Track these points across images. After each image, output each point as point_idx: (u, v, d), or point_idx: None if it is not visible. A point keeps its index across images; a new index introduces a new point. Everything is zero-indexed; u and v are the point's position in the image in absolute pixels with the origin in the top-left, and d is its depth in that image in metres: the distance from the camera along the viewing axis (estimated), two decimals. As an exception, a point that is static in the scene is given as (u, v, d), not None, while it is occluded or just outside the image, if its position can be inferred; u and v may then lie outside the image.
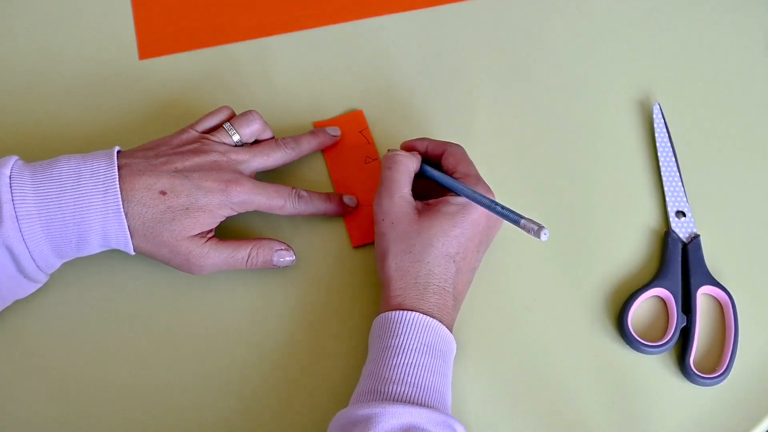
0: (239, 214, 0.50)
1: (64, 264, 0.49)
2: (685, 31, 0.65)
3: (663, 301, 0.53)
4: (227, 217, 0.50)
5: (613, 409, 0.49)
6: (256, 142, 0.54)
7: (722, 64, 0.64)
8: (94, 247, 0.47)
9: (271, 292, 0.52)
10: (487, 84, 0.62)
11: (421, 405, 0.42)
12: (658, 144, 0.58)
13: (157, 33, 0.63)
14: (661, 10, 0.66)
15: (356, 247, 0.54)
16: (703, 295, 0.53)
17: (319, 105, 0.60)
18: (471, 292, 0.51)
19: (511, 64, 0.63)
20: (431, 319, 0.45)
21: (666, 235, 0.55)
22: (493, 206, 0.46)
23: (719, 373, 0.49)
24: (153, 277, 0.52)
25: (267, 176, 0.55)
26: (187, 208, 0.47)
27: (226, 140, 0.52)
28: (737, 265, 0.54)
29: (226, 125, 0.52)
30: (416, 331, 0.45)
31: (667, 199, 0.56)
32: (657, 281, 0.52)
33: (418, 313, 0.45)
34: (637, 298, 0.52)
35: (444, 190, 0.51)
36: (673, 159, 0.58)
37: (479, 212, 0.48)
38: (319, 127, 0.58)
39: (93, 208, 0.45)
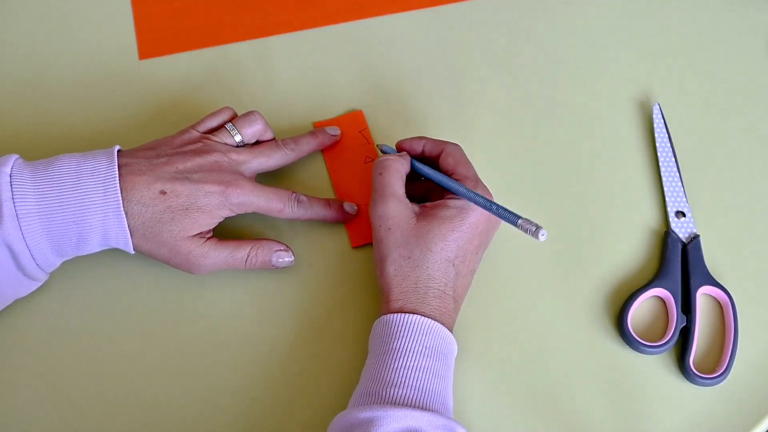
0: (239, 215, 0.50)
1: (64, 263, 0.49)
2: (685, 31, 0.65)
3: (663, 301, 0.53)
4: (226, 218, 0.50)
5: (613, 409, 0.49)
6: (257, 142, 0.54)
7: (722, 64, 0.64)
8: (94, 246, 0.47)
9: (269, 293, 0.52)
10: (486, 84, 0.62)
11: (422, 408, 0.42)
12: (658, 144, 0.58)
13: (157, 33, 0.63)
14: (661, 10, 0.66)
15: (355, 247, 0.54)
16: (702, 295, 0.53)
17: (319, 105, 0.60)
18: (471, 292, 0.51)
19: (511, 64, 0.63)
20: (433, 321, 0.45)
21: (666, 235, 0.55)
22: (491, 207, 0.46)
23: (719, 373, 0.49)
24: (152, 277, 0.52)
25: (267, 177, 0.55)
26: (186, 209, 0.47)
27: (228, 141, 0.52)
28: (737, 265, 0.54)
29: (228, 126, 0.52)
30: (417, 334, 0.45)
31: (666, 199, 0.56)
32: (657, 281, 0.52)
33: (419, 316, 0.45)
34: (636, 298, 0.52)
35: (442, 191, 0.51)
36: (673, 159, 0.58)
37: (478, 215, 0.48)
38: (319, 128, 0.58)
39: (93, 206, 0.45)
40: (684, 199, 0.56)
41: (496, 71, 0.62)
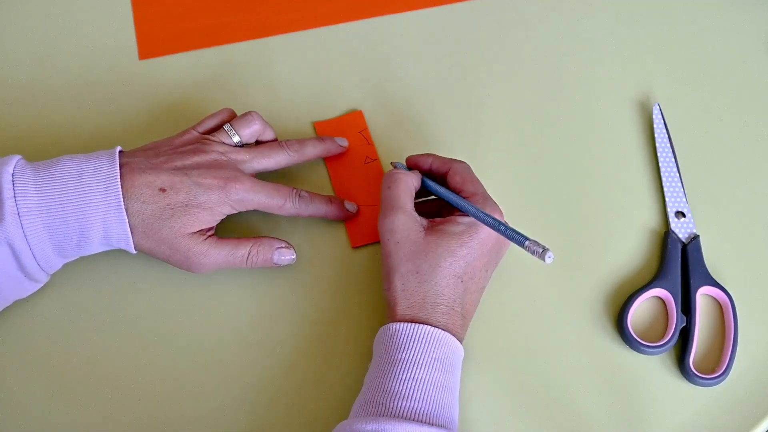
0: (239, 213, 0.50)
1: (65, 264, 0.49)
2: (685, 31, 0.65)
3: (663, 302, 0.53)
4: (227, 215, 0.50)
5: (613, 409, 0.49)
6: (258, 143, 0.54)
7: (722, 63, 0.64)
8: (96, 246, 0.47)
9: (269, 293, 0.52)
10: (486, 84, 0.62)
11: (429, 424, 0.42)
12: (657, 144, 0.58)
13: (157, 33, 0.63)
14: (661, 10, 0.66)
15: (355, 247, 0.54)
16: (702, 295, 0.53)
17: (319, 105, 0.60)
18: (471, 292, 0.51)
19: (511, 64, 0.63)
20: (441, 331, 0.45)
21: (666, 236, 0.55)
22: (497, 226, 0.45)
23: (719, 374, 0.49)
24: (153, 278, 0.52)
25: (267, 176, 0.55)
26: (186, 205, 0.47)
27: (227, 141, 0.52)
28: (737, 266, 0.54)
29: (226, 126, 0.52)
30: (426, 345, 0.44)
31: (666, 199, 0.56)
32: (657, 281, 0.52)
33: (428, 326, 0.45)
34: (636, 298, 0.52)
35: (453, 209, 0.50)
36: (673, 159, 0.58)
37: (487, 232, 0.48)
38: (322, 132, 0.58)
39: (94, 205, 0.46)
40: (684, 199, 0.56)
41: (496, 71, 0.62)
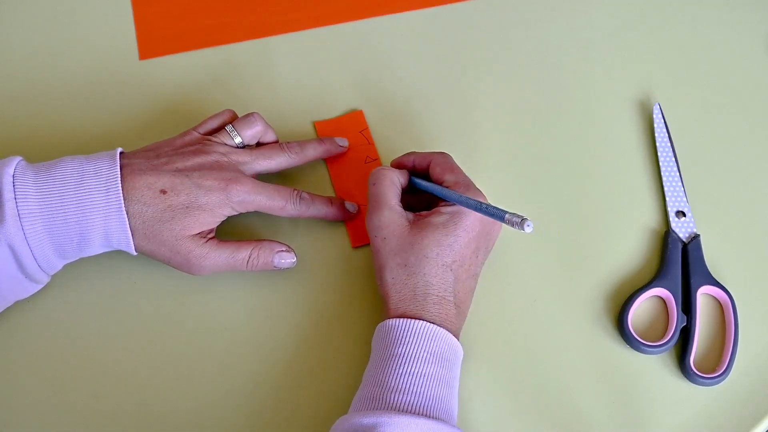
0: (240, 215, 0.50)
1: (65, 265, 0.49)
2: (685, 31, 0.65)
3: (663, 301, 0.53)
4: (228, 217, 0.50)
5: (613, 409, 0.49)
6: (260, 144, 0.54)
7: (722, 63, 0.64)
8: (96, 247, 0.47)
9: (271, 294, 0.52)
10: (486, 84, 0.62)
11: (426, 416, 0.42)
12: (658, 144, 0.58)
13: (157, 33, 0.63)
14: (660, 10, 0.66)
15: (356, 247, 0.54)
16: (703, 295, 0.53)
17: (319, 105, 0.60)
18: (471, 292, 0.51)
19: (511, 64, 0.63)
20: (437, 327, 0.45)
21: (666, 235, 0.55)
22: (480, 207, 0.46)
23: (719, 373, 0.49)
24: (153, 279, 0.52)
25: (268, 178, 0.55)
26: (187, 207, 0.47)
27: (228, 142, 0.52)
28: (737, 265, 0.54)
29: (228, 127, 0.52)
30: (421, 340, 0.45)
31: (667, 199, 0.56)
32: (657, 281, 0.52)
33: (423, 322, 0.45)
34: (637, 298, 0.52)
35: (441, 202, 0.51)
36: (673, 159, 0.58)
37: (471, 218, 0.48)
38: (322, 132, 0.58)
39: (95, 207, 0.46)
40: (684, 199, 0.56)
41: (496, 71, 0.62)
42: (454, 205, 0.48)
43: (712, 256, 0.54)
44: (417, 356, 0.44)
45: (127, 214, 0.46)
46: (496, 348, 0.51)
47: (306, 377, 0.49)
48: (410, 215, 0.49)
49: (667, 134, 0.59)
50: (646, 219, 0.56)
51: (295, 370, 0.50)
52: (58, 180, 0.46)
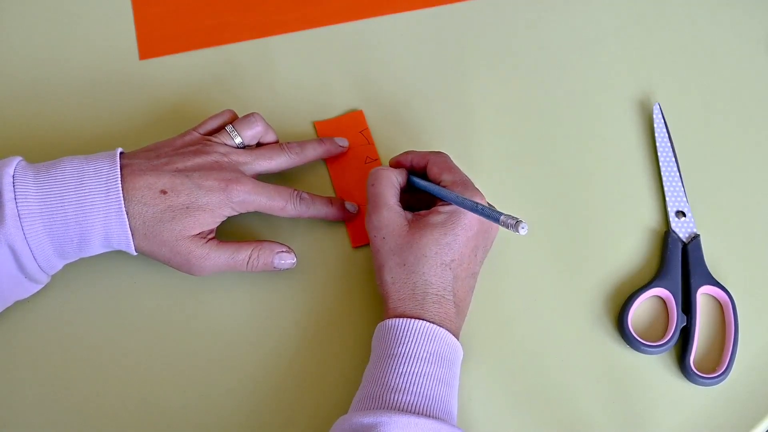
0: (240, 215, 0.50)
1: (65, 265, 0.49)
2: (685, 31, 0.65)
3: (663, 301, 0.53)
4: (228, 217, 0.50)
5: (613, 409, 0.49)
6: (260, 145, 0.54)
7: (722, 63, 0.64)
8: (96, 248, 0.47)
9: (271, 294, 0.52)
10: (487, 84, 0.62)
11: (426, 416, 0.42)
12: (658, 144, 0.58)
13: (157, 33, 0.63)
14: (661, 10, 0.66)
15: (356, 247, 0.54)
16: (703, 295, 0.53)
17: (319, 105, 0.60)
18: (471, 292, 0.51)
19: (511, 64, 0.63)
20: (437, 327, 0.45)
21: (666, 235, 0.55)
22: (476, 208, 0.46)
23: (719, 373, 0.49)
24: (154, 279, 0.52)
25: (268, 179, 0.55)
26: (187, 207, 0.47)
27: (228, 142, 0.52)
28: (737, 265, 0.54)
29: (228, 127, 0.53)
30: (421, 339, 0.45)
31: (667, 199, 0.56)
32: (657, 281, 0.52)
33: (423, 321, 0.45)
34: (637, 298, 0.52)
35: (438, 201, 0.51)
36: (673, 159, 0.58)
37: (470, 217, 0.48)
38: (322, 132, 0.58)
39: (95, 207, 0.46)
40: (684, 199, 0.56)
41: (496, 71, 0.62)
42: (452, 204, 0.48)
43: (712, 256, 0.54)
44: (417, 356, 0.44)
45: (127, 214, 0.46)
46: (496, 348, 0.51)
47: (306, 377, 0.50)
48: (409, 215, 0.50)
49: (667, 134, 0.59)
50: (646, 219, 0.56)
51: (295, 369, 0.50)
52: (58, 180, 0.46)
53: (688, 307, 0.52)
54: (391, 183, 0.50)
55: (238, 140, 0.52)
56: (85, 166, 0.46)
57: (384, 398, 0.43)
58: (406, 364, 0.44)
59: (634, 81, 0.62)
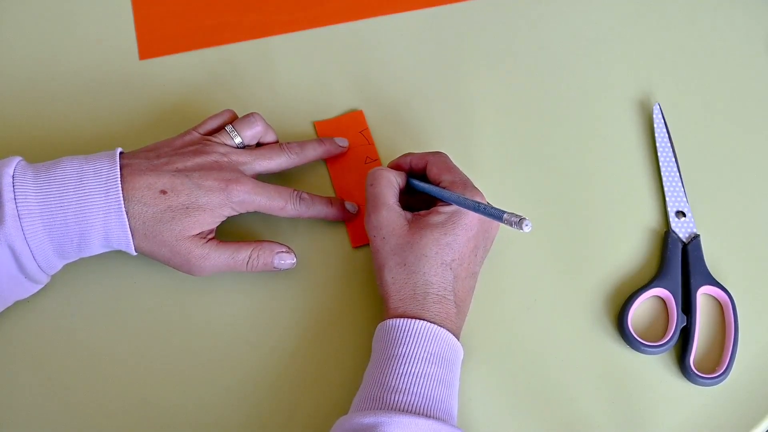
0: (240, 215, 0.50)
1: (65, 265, 0.49)
2: (685, 31, 0.65)
3: (663, 301, 0.53)
4: (228, 217, 0.50)
5: (613, 409, 0.49)
6: (260, 145, 0.54)
7: (722, 64, 0.64)
8: (96, 248, 0.47)
9: (270, 294, 0.52)
10: (486, 84, 0.62)
11: (427, 416, 0.42)
12: (658, 144, 0.58)
13: (157, 33, 0.63)
14: (661, 10, 0.66)
15: (356, 247, 0.54)
16: (703, 295, 0.53)
17: (319, 105, 0.60)
18: (471, 292, 0.51)
19: (511, 64, 0.63)
20: (437, 327, 0.45)
21: (666, 235, 0.55)
22: (477, 207, 0.46)
23: (719, 373, 0.49)
24: (154, 279, 0.52)
25: (268, 179, 0.55)
26: (187, 207, 0.47)
27: (228, 142, 0.52)
28: (737, 265, 0.54)
29: (228, 127, 0.53)
30: (422, 340, 0.45)
31: (667, 199, 0.56)
32: (657, 281, 0.52)
33: (423, 322, 0.45)
34: (637, 298, 0.52)
35: (438, 202, 0.51)
36: (673, 159, 0.58)
37: (470, 217, 0.48)
38: (322, 132, 0.58)
39: (95, 207, 0.46)
40: (684, 199, 0.56)
41: (496, 71, 0.62)
42: (453, 204, 0.48)
43: (712, 256, 0.54)
44: (417, 356, 0.44)
45: (126, 214, 0.46)
46: (496, 348, 0.51)
47: (306, 377, 0.50)
48: (408, 215, 0.50)
49: (667, 134, 0.59)
50: (646, 219, 0.56)
51: (295, 369, 0.50)
52: (58, 180, 0.46)
53: (688, 307, 0.52)
54: (389, 183, 0.50)
55: (238, 140, 0.52)
56: (85, 166, 0.46)
57: (384, 399, 0.43)
58: (407, 365, 0.44)
59: (634, 81, 0.62)
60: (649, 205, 0.57)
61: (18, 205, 0.44)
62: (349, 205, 0.54)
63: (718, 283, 0.52)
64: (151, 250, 0.48)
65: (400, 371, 0.44)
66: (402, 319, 0.45)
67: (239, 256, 0.49)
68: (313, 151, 0.55)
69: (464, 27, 0.64)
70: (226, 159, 0.50)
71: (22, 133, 0.58)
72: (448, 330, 0.46)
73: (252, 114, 0.54)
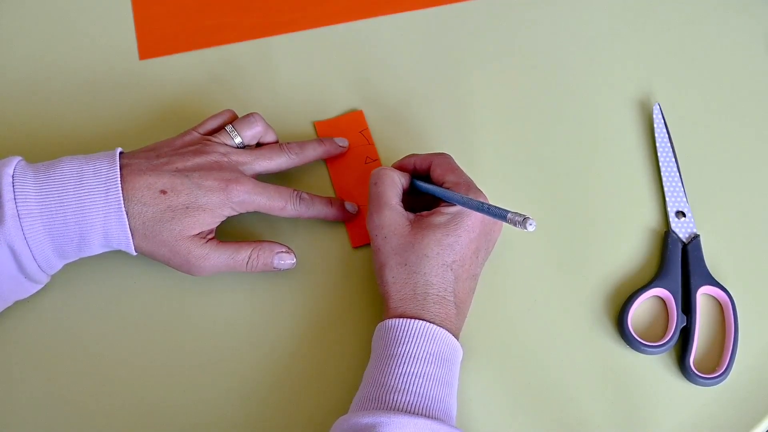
0: (240, 215, 0.50)
1: (65, 264, 0.49)
2: (685, 31, 0.65)
3: (663, 301, 0.53)
4: (228, 217, 0.50)
5: (613, 409, 0.49)
6: (260, 145, 0.54)
7: (722, 64, 0.64)
8: (96, 248, 0.47)
9: (270, 294, 0.52)
10: (486, 84, 0.62)
11: (426, 416, 0.42)
12: (658, 144, 0.58)
13: (157, 33, 0.63)
14: (661, 10, 0.66)
15: (356, 247, 0.54)
16: (703, 295, 0.53)
17: (319, 105, 0.60)
18: (471, 292, 0.51)
19: (511, 64, 0.63)
20: (437, 327, 0.45)
21: (666, 235, 0.55)
22: (481, 207, 0.46)
23: (719, 373, 0.49)
24: (153, 279, 0.52)
25: (268, 179, 0.55)
26: (187, 207, 0.47)
27: (228, 142, 0.52)
28: (737, 265, 0.54)
29: (228, 127, 0.53)
30: (421, 340, 0.45)
31: (667, 199, 0.56)
32: (657, 281, 0.52)
33: (423, 322, 0.45)
34: (637, 298, 0.52)
35: (441, 203, 0.51)
36: (673, 159, 0.58)
37: (473, 219, 0.48)
38: (322, 132, 0.58)
39: (95, 207, 0.46)
40: (684, 199, 0.56)
41: (496, 71, 0.62)
42: (455, 205, 0.48)
43: (712, 256, 0.54)
44: (417, 356, 0.44)
45: (126, 214, 0.46)
46: (496, 348, 0.51)
47: (306, 377, 0.50)
48: (411, 215, 0.50)
49: (667, 134, 0.59)
50: (646, 219, 0.56)
51: (295, 370, 0.50)
52: (58, 180, 0.46)
53: (688, 307, 0.52)
54: (393, 183, 0.50)
55: (237, 140, 0.52)
56: (85, 166, 0.46)
57: (384, 398, 0.43)
58: (406, 365, 0.44)
59: (634, 81, 0.62)
60: (649, 205, 0.57)
61: (18, 205, 0.44)
62: (349, 206, 0.54)
63: (718, 283, 0.52)
64: (151, 250, 0.48)
65: (400, 371, 0.44)
66: (402, 319, 0.45)
67: (239, 256, 0.49)
68: (313, 151, 0.55)
69: (464, 27, 0.64)
70: (226, 159, 0.50)
71: (22, 133, 0.58)
72: (448, 330, 0.46)
73: (252, 114, 0.54)
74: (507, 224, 0.43)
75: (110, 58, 0.61)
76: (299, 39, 0.63)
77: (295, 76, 0.61)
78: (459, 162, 0.52)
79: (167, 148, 0.50)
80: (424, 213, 0.49)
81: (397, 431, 0.40)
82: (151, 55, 0.62)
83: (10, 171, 0.45)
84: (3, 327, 0.50)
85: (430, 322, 0.45)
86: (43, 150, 0.55)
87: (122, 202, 0.46)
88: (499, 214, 0.44)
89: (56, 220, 0.45)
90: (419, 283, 0.46)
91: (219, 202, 0.48)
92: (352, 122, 0.59)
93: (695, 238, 0.54)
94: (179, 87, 0.60)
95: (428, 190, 0.51)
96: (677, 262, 0.53)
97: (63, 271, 0.50)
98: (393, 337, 0.45)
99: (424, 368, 0.44)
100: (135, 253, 0.48)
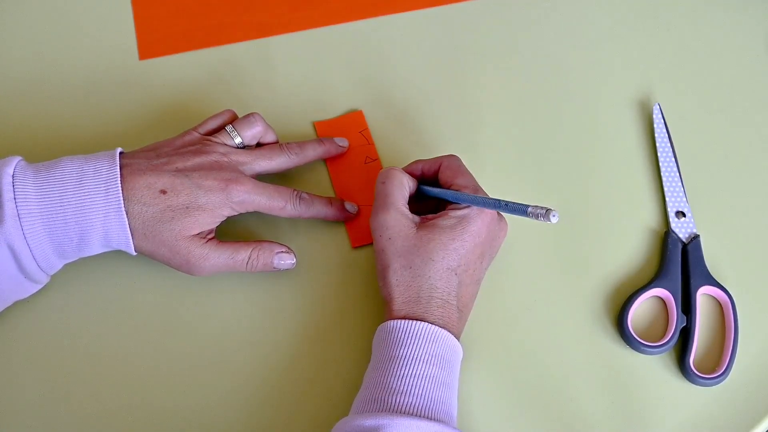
0: (240, 215, 0.50)
1: (65, 264, 0.49)
2: (685, 31, 0.65)
3: (663, 302, 0.53)
4: (227, 217, 0.50)
5: (613, 409, 0.49)
6: (260, 145, 0.54)
7: (722, 64, 0.64)
8: (96, 248, 0.47)
9: (270, 294, 0.52)
10: (486, 84, 0.62)
11: (428, 418, 0.42)
12: (658, 144, 0.58)
13: (157, 33, 0.63)
14: (660, 11, 0.66)
15: (355, 247, 0.54)
16: (702, 295, 0.53)
17: (319, 105, 0.60)
18: (471, 292, 0.51)
19: (511, 65, 0.63)
20: (438, 328, 0.45)
21: (666, 236, 0.55)
22: (497, 204, 0.45)
23: (719, 373, 0.49)
24: (154, 279, 0.52)
25: (268, 178, 0.55)
26: (187, 207, 0.47)
27: (228, 142, 0.52)
28: (737, 265, 0.54)
29: (228, 127, 0.53)
30: (423, 342, 0.44)
31: (667, 199, 0.56)
32: (657, 281, 0.52)
33: (425, 323, 0.45)
34: (637, 298, 0.52)
35: (447, 205, 0.50)
36: (673, 159, 0.58)
37: (479, 223, 0.48)
38: (322, 132, 0.58)
39: (95, 207, 0.46)
40: (684, 199, 0.56)
41: (496, 72, 0.62)
42: (462, 209, 0.48)
43: (712, 256, 0.54)
44: (418, 358, 0.44)
45: (126, 214, 0.46)
46: (496, 348, 0.51)
47: (306, 378, 0.49)
48: (416, 218, 0.49)
49: (667, 134, 0.59)
50: (646, 219, 0.56)
51: (295, 370, 0.50)
52: (58, 180, 0.46)
53: (688, 307, 0.52)
54: (401, 184, 0.50)
55: (237, 140, 0.52)
56: (85, 166, 0.46)
57: (384, 401, 0.43)
58: (408, 367, 0.44)
59: (634, 81, 0.62)
60: (649, 205, 0.57)
61: (18, 205, 0.44)
62: (349, 206, 0.54)
63: (718, 283, 0.52)
64: (151, 250, 0.48)
65: (401, 373, 0.43)
66: (404, 321, 0.45)
67: (239, 256, 0.49)
68: (313, 151, 0.55)
69: (464, 27, 0.64)
70: (226, 159, 0.50)
71: (22, 133, 0.58)
72: (449, 332, 0.46)
73: (252, 114, 0.54)
74: (528, 218, 0.42)
75: (110, 58, 0.61)
76: (299, 39, 0.63)
77: (295, 76, 0.61)
78: (458, 162, 0.52)
79: (167, 148, 0.50)
80: (430, 216, 0.49)
81: None
82: (151, 55, 0.62)
83: (10, 171, 0.45)
84: (3, 327, 0.50)
85: (433, 324, 0.45)
86: (43, 150, 0.55)
87: (122, 202, 0.46)
88: (520, 209, 0.43)
89: (56, 220, 0.45)
90: (424, 286, 0.46)
91: (219, 202, 0.48)
92: (352, 122, 0.59)
93: (695, 238, 0.54)
94: (179, 87, 0.60)
95: (437, 194, 0.50)
96: (677, 262, 0.53)
97: (63, 271, 0.50)
98: (396, 339, 0.45)
99: (427, 370, 0.44)
100: (135, 253, 0.48)
